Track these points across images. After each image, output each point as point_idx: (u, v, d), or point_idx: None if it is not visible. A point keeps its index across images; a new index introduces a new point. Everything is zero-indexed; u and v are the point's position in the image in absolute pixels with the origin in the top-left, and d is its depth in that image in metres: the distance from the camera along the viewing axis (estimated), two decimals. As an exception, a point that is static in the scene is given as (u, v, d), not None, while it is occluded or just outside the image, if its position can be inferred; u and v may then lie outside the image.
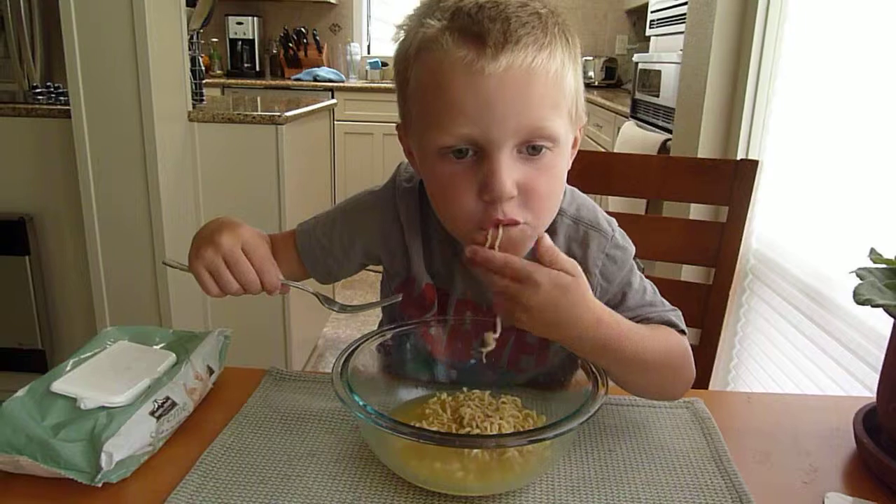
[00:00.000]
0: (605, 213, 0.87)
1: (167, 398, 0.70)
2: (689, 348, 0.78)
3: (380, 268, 0.94)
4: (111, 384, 0.70)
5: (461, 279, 0.86)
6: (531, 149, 0.68)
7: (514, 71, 0.65)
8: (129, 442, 0.64)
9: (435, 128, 0.68)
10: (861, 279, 0.69)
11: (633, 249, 0.85)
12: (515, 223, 0.68)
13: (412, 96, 0.72)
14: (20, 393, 0.68)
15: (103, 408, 0.67)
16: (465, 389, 0.76)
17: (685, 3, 2.19)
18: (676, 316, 0.81)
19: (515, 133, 0.66)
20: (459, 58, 0.65)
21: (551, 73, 0.67)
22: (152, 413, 0.67)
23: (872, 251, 0.72)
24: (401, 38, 0.74)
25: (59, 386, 0.69)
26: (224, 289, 0.75)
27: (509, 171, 0.67)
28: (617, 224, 0.86)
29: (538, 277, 0.62)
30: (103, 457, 0.61)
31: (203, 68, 2.38)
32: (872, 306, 0.65)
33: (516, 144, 0.67)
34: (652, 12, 3.15)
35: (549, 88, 0.67)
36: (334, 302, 0.81)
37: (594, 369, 0.68)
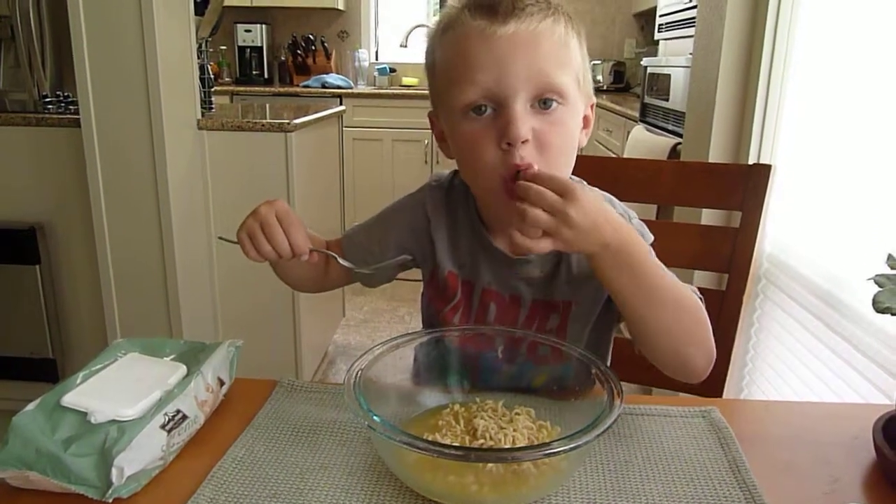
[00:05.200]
0: (622, 204, 0.90)
1: (178, 411, 0.69)
2: (706, 314, 0.79)
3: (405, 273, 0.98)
4: (122, 397, 0.69)
5: (486, 269, 0.90)
6: (542, 103, 0.77)
7: (521, 33, 0.76)
8: (140, 456, 0.63)
9: (457, 86, 0.78)
10: (880, 286, 0.68)
11: (650, 237, 0.87)
12: (531, 167, 0.75)
13: (439, 72, 0.83)
14: (30, 406, 0.67)
15: (114, 421, 0.66)
16: (477, 400, 0.75)
17: (694, 7, 2.18)
18: (693, 290, 0.83)
19: (527, 84, 0.75)
20: (475, 27, 0.77)
21: (556, 36, 0.77)
22: (163, 426, 0.67)
23: (890, 257, 0.71)
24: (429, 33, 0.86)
25: (70, 399, 0.68)
26: (259, 250, 0.83)
27: (524, 118, 0.75)
28: (636, 215, 0.89)
29: (580, 193, 0.68)
30: (114, 471, 0.61)
31: (212, 76, 2.38)
32: (892, 314, 0.64)
33: (529, 98, 0.76)
34: (660, 16, 3.14)
35: (554, 48, 0.77)
36: (348, 261, 0.89)
37: (609, 379, 0.67)
